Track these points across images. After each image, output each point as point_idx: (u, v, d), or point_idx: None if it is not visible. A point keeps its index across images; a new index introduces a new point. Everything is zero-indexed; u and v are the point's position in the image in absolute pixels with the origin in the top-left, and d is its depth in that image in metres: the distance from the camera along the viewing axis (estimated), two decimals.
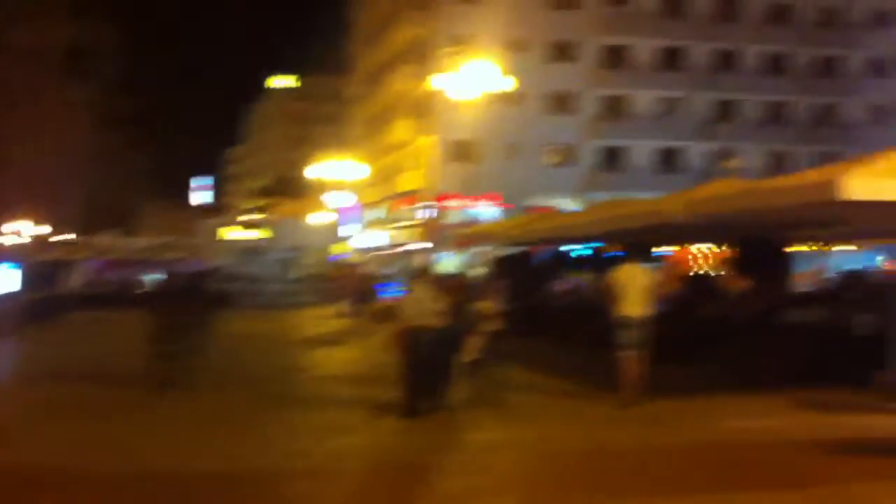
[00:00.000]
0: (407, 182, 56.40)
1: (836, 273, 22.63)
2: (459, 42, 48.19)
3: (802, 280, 21.34)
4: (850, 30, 57.25)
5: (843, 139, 55.07)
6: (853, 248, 27.94)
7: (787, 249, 16.71)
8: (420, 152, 54.35)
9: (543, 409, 12.27)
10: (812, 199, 10.46)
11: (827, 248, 25.16)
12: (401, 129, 57.31)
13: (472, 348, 12.26)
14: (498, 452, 9.83)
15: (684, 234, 18.18)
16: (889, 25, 57.39)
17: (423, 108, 51.85)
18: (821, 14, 57.45)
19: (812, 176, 11.35)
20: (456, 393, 12.12)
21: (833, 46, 57.30)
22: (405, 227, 54.55)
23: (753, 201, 11.87)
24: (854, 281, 20.27)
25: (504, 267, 22.82)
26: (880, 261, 30.54)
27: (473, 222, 42.58)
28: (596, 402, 12.39)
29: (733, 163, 40.77)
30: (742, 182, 16.07)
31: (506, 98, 42.16)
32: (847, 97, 57.40)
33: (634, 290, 12.21)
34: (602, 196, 40.75)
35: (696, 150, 55.44)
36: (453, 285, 13.65)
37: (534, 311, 20.57)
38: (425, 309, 11.73)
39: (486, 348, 12.46)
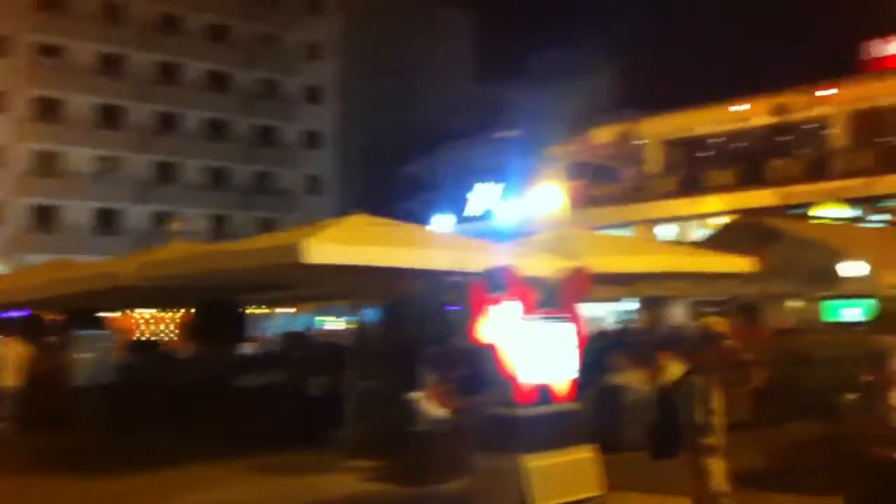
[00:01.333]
0: None
1: (279, 335, 23.21)
2: None
3: (250, 343, 21.52)
4: (287, 103, 61.05)
5: (281, 206, 58.27)
6: (293, 310, 29.11)
7: (242, 312, 16.71)
8: None
9: None
10: (276, 262, 10.50)
11: (270, 310, 25.90)
12: None
13: None
14: None
15: (134, 298, 17.25)
16: (320, 102, 62.34)
17: None
18: (260, 85, 60.40)
19: (275, 239, 11.43)
20: None
21: (271, 117, 60.50)
22: None
23: (215, 263, 11.60)
24: (297, 342, 21.03)
25: None
26: (318, 322, 32.33)
27: None
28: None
29: (176, 225, 40.49)
30: (195, 245, 15.80)
31: None
32: (283, 166, 60.86)
33: (11, 361, 13.51)
34: (34, 258, 37.75)
35: (136, 212, 54.27)
36: None
37: None
38: None
39: None
